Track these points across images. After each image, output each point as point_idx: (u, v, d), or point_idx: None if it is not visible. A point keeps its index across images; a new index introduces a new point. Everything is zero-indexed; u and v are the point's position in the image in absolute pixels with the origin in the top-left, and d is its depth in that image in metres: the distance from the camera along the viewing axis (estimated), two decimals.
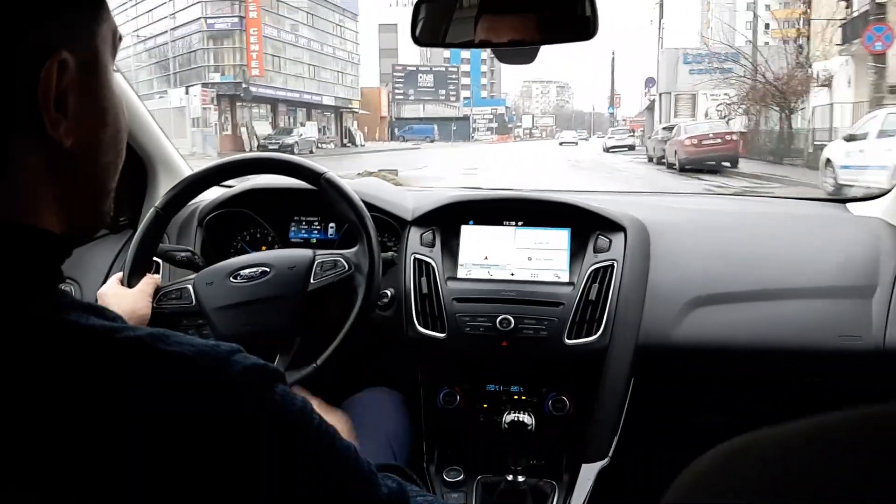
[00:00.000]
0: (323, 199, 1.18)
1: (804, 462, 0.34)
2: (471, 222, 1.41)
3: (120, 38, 0.55)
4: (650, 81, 35.47)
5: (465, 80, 67.50)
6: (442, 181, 12.67)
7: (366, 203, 1.18)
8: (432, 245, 1.38)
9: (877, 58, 13.03)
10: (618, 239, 1.35)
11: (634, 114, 55.13)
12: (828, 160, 9.72)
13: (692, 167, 14.46)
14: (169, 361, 0.46)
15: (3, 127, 0.46)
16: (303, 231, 1.54)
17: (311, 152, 27.02)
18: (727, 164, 14.68)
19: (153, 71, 36.11)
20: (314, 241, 1.53)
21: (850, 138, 9.36)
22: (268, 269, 1.14)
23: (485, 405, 1.35)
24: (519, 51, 1.12)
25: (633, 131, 35.40)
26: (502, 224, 1.40)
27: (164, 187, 1.57)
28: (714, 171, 14.07)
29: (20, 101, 0.47)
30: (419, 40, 1.16)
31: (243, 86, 33.07)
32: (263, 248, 1.50)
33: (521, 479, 1.21)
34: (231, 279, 1.14)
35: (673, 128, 17.22)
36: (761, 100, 18.48)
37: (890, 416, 0.35)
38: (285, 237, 1.53)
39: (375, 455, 1.10)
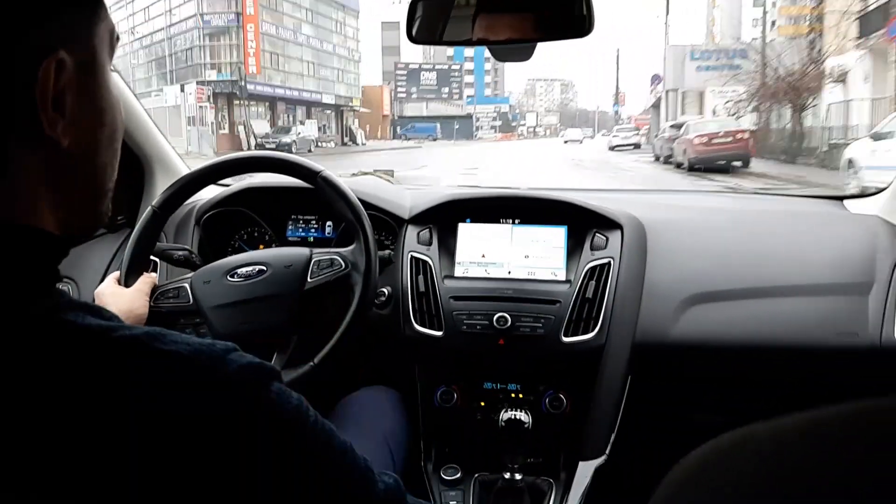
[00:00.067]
0: (320, 197, 1.17)
1: (798, 456, 0.35)
2: (468, 220, 1.41)
3: (117, 38, 0.55)
4: (656, 78, 34.80)
5: (469, 79, 67.11)
6: (440, 182, 12.52)
7: (362, 201, 1.18)
8: (429, 243, 1.38)
9: None
10: (615, 237, 1.35)
11: (639, 112, 54.91)
12: (850, 160, 8.95)
13: (702, 167, 13.85)
14: (165, 360, 0.46)
15: (2, 127, 0.46)
16: (300, 230, 1.54)
17: (310, 151, 26.89)
18: (738, 163, 13.93)
19: (149, 68, 36.00)
20: (311, 239, 1.53)
21: (878, 137, 8.66)
22: (265, 268, 1.14)
23: (482, 403, 1.35)
24: (516, 48, 1.12)
25: (639, 129, 34.81)
26: (499, 222, 1.40)
27: (161, 186, 1.56)
28: (724, 170, 13.39)
29: (19, 101, 0.47)
30: (415, 38, 1.16)
31: (240, 84, 32.98)
32: (261, 246, 1.50)
33: (518, 476, 1.21)
34: (228, 278, 1.14)
35: (681, 125, 16.44)
36: (772, 97, 17.83)
37: (883, 411, 0.35)
38: (282, 236, 1.53)
39: (373, 453, 1.10)
